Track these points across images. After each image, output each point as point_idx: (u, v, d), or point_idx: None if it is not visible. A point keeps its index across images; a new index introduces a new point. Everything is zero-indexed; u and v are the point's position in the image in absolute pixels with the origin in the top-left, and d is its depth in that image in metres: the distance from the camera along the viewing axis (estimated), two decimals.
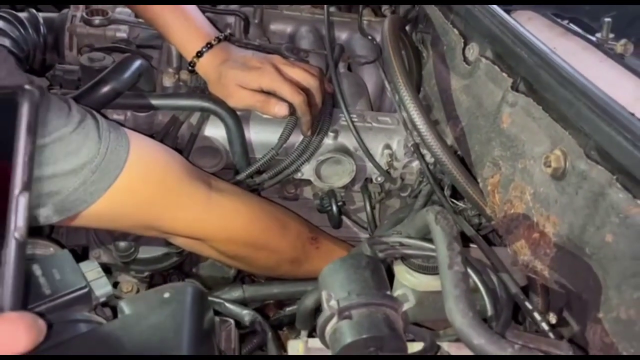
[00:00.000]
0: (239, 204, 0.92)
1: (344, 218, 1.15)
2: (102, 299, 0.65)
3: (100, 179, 0.69)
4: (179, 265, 1.10)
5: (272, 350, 0.73)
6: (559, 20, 0.85)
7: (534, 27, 0.75)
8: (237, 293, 1.01)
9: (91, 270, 0.66)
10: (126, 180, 0.71)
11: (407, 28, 1.10)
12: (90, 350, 0.57)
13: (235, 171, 1.04)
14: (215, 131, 1.04)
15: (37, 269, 0.64)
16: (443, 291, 0.62)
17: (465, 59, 0.85)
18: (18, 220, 0.32)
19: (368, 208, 1.08)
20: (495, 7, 0.79)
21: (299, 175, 1.08)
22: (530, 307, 0.73)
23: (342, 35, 1.33)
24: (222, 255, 0.94)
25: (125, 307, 0.63)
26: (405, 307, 0.62)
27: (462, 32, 0.86)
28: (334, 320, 0.61)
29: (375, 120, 1.10)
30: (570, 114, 0.66)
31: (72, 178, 0.67)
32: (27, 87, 0.32)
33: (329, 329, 0.62)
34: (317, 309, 0.86)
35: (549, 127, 0.70)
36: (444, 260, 0.64)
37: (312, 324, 0.88)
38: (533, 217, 0.72)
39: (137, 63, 0.92)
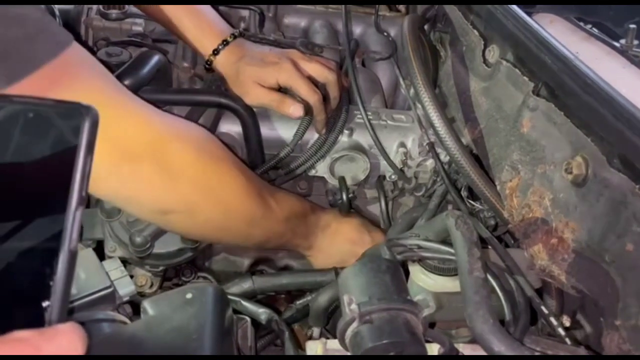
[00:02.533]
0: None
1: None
2: (126, 298, 0.66)
3: None
4: (192, 260, 1.11)
5: (289, 350, 0.73)
6: (581, 24, 0.85)
7: (556, 31, 0.75)
8: (246, 284, 1.01)
9: (114, 269, 0.67)
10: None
11: (425, 27, 1.09)
12: (115, 352, 0.58)
13: (250, 167, 1.05)
14: (230, 127, 1.04)
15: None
16: (463, 297, 0.63)
17: (485, 61, 0.85)
18: (73, 234, 0.33)
19: (383, 205, 1.08)
20: (516, 9, 0.78)
21: (313, 172, 1.08)
22: (546, 311, 0.73)
23: (356, 30, 1.32)
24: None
25: (148, 307, 0.63)
26: (425, 312, 0.63)
27: (483, 34, 0.86)
28: (355, 324, 0.62)
29: (390, 117, 1.10)
30: (593, 121, 0.66)
31: None
32: (89, 105, 0.33)
33: (349, 332, 0.62)
34: (330, 307, 0.87)
35: (571, 133, 0.70)
36: (464, 265, 0.64)
37: (325, 321, 0.89)
38: (551, 222, 0.73)
39: (155, 58, 0.92)
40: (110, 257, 0.94)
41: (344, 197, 1.07)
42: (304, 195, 1.16)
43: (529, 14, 0.77)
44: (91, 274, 0.64)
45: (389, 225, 1.08)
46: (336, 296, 0.83)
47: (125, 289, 0.66)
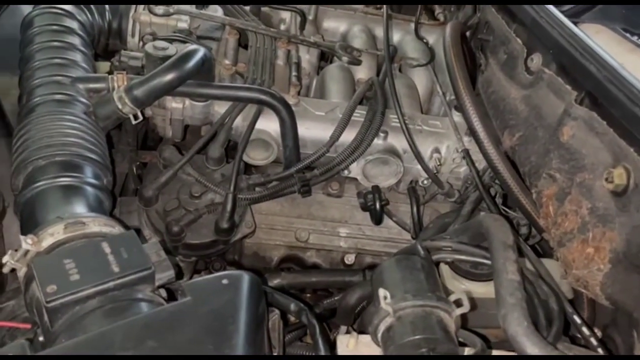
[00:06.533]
0: None
1: (386, 218, 1.15)
2: (163, 281, 0.68)
3: None
4: (223, 253, 1.12)
5: (319, 344, 0.74)
6: (628, 35, 0.85)
7: (602, 41, 0.75)
8: (276, 280, 1.03)
9: (155, 252, 0.68)
10: None
11: (467, 34, 1.10)
12: (155, 330, 0.60)
13: (285, 165, 1.06)
14: (268, 124, 1.06)
15: (106, 247, 0.66)
16: (498, 298, 0.63)
17: (527, 69, 0.85)
18: None
19: (414, 210, 1.09)
20: (562, 18, 0.78)
21: (345, 173, 1.09)
22: (579, 320, 0.73)
23: (394, 37, 1.33)
24: None
25: (187, 291, 0.65)
26: (459, 311, 0.63)
27: (526, 42, 0.86)
28: (389, 319, 0.62)
29: (425, 123, 1.10)
30: (638, 131, 0.66)
31: None
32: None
33: (382, 326, 0.63)
34: (359, 306, 0.87)
35: (613, 143, 0.70)
36: (500, 267, 0.64)
37: (352, 320, 0.89)
38: (588, 231, 0.72)
39: (201, 54, 0.94)
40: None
41: (377, 204, 1.08)
42: (334, 197, 1.17)
43: (575, 24, 0.77)
44: (133, 254, 0.65)
45: (419, 230, 1.08)
46: (365, 296, 0.83)
47: (165, 272, 0.67)
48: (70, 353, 0.57)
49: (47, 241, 0.68)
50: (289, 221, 1.14)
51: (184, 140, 1.12)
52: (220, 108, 1.06)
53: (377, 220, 1.11)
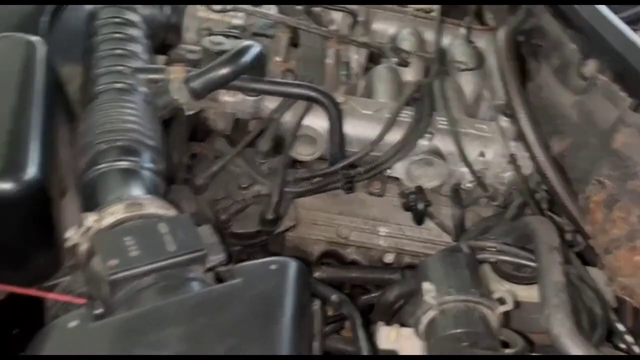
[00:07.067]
0: None
1: (427, 220, 1.16)
2: (214, 263, 0.71)
3: None
4: (265, 245, 1.15)
5: (360, 336, 0.75)
6: None
7: None
8: (316, 273, 1.05)
9: (207, 235, 0.71)
10: None
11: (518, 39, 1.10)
12: (205, 308, 0.63)
13: (331, 161, 1.08)
14: (315, 121, 1.08)
15: (162, 227, 0.70)
16: (542, 299, 0.63)
17: (581, 75, 0.85)
18: None
19: (457, 213, 1.09)
20: (621, 24, 0.78)
21: (388, 172, 1.10)
22: (622, 328, 0.72)
23: (443, 40, 1.34)
24: None
25: (236, 274, 0.67)
26: (502, 309, 0.64)
27: (581, 48, 0.86)
28: (432, 312, 0.64)
29: (472, 126, 1.11)
30: None
31: None
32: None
33: (424, 319, 0.64)
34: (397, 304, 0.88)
35: None
36: (546, 269, 0.65)
37: (390, 316, 0.90)
38: (637, 239, 0.72)
39: (257, 50, 0.97)
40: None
41: (420, 205, 1.09)
42: (376, 196, 1.18)
43: (635, 31, 0.77)
44: (188, 236, 0.68)
45: (460, 232, 1.09)
46: (404, 294, 0.84)
47: (216, 255, 0.70)
48: (127, 324, 0.60)
49: (107, 220, 0.71)
50: (331, 217, 1.16)
51: (232, 134, 1.15)
52: (270, 103, 1.09)
53: (419, 220, 1.12)
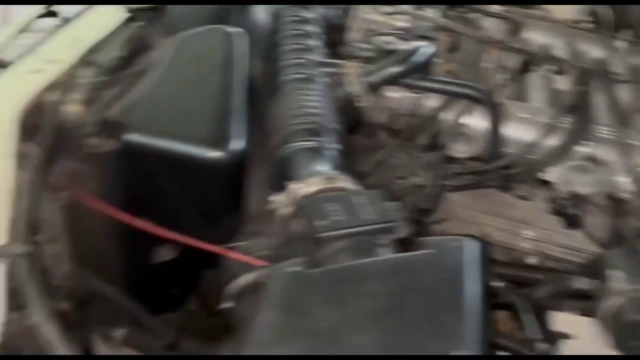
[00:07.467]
0: None
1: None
2: (401, 235, 0.77)
3: None
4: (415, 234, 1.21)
5: (528, 319, 0.78)
6: None
7: None
8: None
9: (395, 210, 0.78)
10: None
11: None
12: (401, 271, 0.69)
13: (487, 160, 1.13)
14: (472, 120, 1.13)
15: (355, 199, 0.78)
16: None
17: None
18: None
19: (611, 222, 1.09)
20: None
21: (543, 176, 1.13)
22: None
23: (599, 52, 1.34)
24: None
25: (425, 245, 0.73)
26: None
27: None
28: (618, 298, 0.66)
29: (631, 137, 1.11)
30: None
31: None
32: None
33: (611, 305, 0.67)
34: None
35: None
36: None
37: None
38: None
39: (430, 51, 1.05)
40: None
41: (573, 211, 1.10)
42: (523, 199, 1.20)
43: None
44: (379, 209, 0.75)
45: (616, 242, 1.08)
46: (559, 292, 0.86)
47: (403, 230, 0.77)
48: (339, 274, 0.68)
49: (310, 188, 0.81)
50: (476, 215, 1.20)
51: (391, 129, 1.23)
52: (429, 101, 1.15)
53: (570, 226, 1.13)
